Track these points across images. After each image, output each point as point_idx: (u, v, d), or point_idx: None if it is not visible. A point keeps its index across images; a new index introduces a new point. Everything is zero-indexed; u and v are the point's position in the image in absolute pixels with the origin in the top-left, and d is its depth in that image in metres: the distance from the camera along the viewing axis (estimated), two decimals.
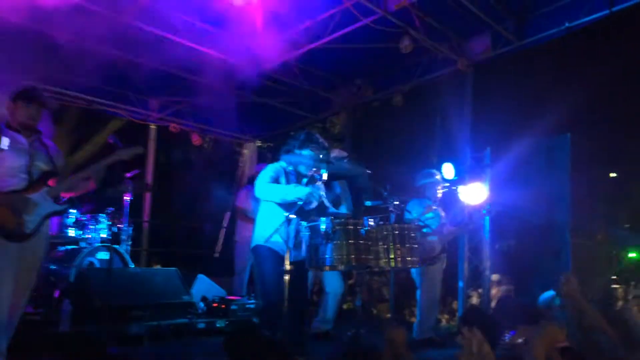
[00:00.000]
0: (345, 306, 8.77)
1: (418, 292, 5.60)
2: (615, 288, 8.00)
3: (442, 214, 5.89)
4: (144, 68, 7.82)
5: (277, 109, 9.25)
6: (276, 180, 4.17)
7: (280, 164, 4.30)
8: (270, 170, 4.24)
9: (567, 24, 6.42)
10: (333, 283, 5.76)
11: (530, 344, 2.38)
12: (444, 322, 8.84)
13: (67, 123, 11.44)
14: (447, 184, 6.01)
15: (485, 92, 7.99)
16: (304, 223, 4.04)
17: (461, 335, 2.10)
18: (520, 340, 2.81)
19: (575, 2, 6.38)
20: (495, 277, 7.94)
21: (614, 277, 8.15)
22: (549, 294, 5.89)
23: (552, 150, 7.00)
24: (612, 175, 8.57)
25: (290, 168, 4.30)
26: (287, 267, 3.83)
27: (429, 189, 5.83)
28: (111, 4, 6.08)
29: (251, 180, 7.61)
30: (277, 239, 4.04)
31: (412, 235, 4.21)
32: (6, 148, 3.52)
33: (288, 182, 4.21)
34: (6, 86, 3.99)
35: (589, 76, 8.46)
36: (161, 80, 8.44)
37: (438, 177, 5.93)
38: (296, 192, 3.97)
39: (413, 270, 5.53)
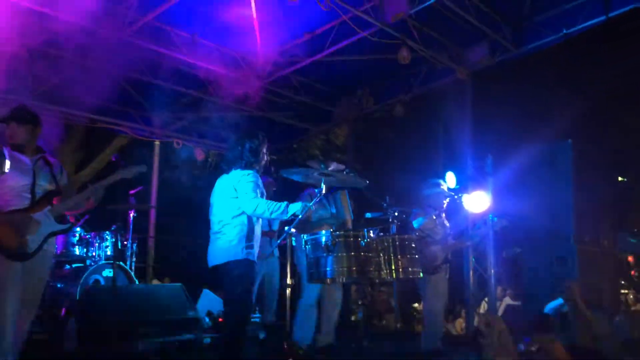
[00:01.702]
0: (353, 318, 8.75)
1: (423, 303, 5.59)
2: (625, 293, 7.94)
3: (447, 224, 5.87)
4: (146, 85, 7.91)
5: (279, 122, 9.31)
6: (261, 191, 4.11)
7: (255, 172, 4.23)
8: (252, 180, 4.09)
9: (564, 31, 6.45)
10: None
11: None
12: (453, 331, 8.81)
13: (72, 141, 11.53)
14: (451, 194, 5.99)
15: (485, 100, 8.01)
16: (303, 236, 4.06)
17: (483, 324, 2.07)
18: (533, 348, 2.80)
19: (572, 8, 6.42)
20: None
21: (623, 282, 8.08)
22: (557, 302, 5.86)
23: (554, 157, 6.98)
24: (621, 179, 8.51)
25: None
26: (289, 280, 3.85)
27: (435, 199, 5.80)
28: (113, 23, 6.17)
29: None
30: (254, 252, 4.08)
31: (413, 245, 4.21)
32: (7, 171, 3.57)
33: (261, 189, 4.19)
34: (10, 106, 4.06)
35: (589, 81, 8.46)
36: (164, 97, 8.51)
37: (444, 187, 5.90)
38: (292, 209, 3.91)
39: (418, 281, 5.50)
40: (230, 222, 4.07)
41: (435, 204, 5.74)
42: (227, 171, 4.23)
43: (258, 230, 4.16)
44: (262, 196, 4.10)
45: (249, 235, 4.05)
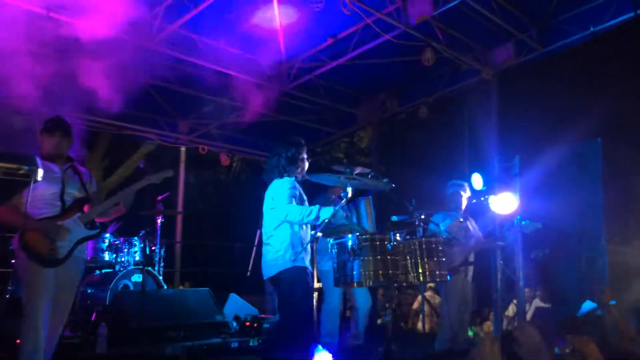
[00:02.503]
0: (379, 321, 8.72)
1: (442, 304, 5.56)
2: None
3: (470, 226, 5.82)
4: (172, 92, 8.01)
5: (304, 126, 9.33)
6: (297, 197, 4.08)
7: (294, 178, 4.23)
8: (287, 187, 4.09)
9: (591, 29, 6.34)
10: (361, 299, 5.75)
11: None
12: (481, 334, 8.70)
13: (99, 149, 11.73)
14: (473, 195, 5.95)
15: (511, 100, 7.90)
16: (329, 240, 4.06)
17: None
18: (567, 350, 2.75)
19: (599, 5, 6.31)
20: None
21: None
22: (591, 305, 5.75)
23: (583, 156, 6.87)
24: None
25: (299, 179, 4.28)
26: (316, 284, 3.84)
27: (453, 199, 5.80)
28: (140, 32, 6.26)
29: None
30: (303, 257, 4.05)
31: (440, 248, 4.18)
32: (39, 179, 3.64)
33: (301, 195, 4.19)
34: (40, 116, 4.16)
35: (618, 79, 8.29)
36: (189, 104, 8.61)
37: (465, 187, 5.88)
38: (323, 214, 3.88)
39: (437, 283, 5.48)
40: (273, 233, 4.10)
41: (453, 203, 5.74)
42: (268, 182, 4.27)
43: (305, 235, 4.15)
44: (301, 201, 4.11)
45: (295, 243, 4.04)
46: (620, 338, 2.87)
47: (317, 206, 3.97)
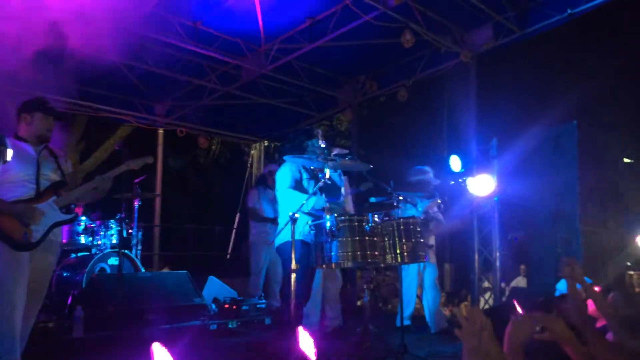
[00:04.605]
0: (358, 302, 8.78)
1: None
2: (630, 274, 7.93)
3: (430, 210, 5.88)
4: (149, 74, 7.89)
5: (283, 109, 9.27)
6: (297, 181, 4.46)
7: (294, 164, 4.54)
8: (288, 172, 4.49)
9: (569, 11, 6.35)
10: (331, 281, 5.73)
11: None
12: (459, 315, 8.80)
13: (76, 131, 11.54)
14: (451, 177, 6.01)
15: (490, 83, 7.96)
16: (308, 221, 4.07)
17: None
18: (537, 328, 2.78)
19: None
20: None
21: (629, 263, 8.07)
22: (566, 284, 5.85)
23: (560, 139, 6.95)
24: (627, 160, 8.46)
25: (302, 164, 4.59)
26: (294, 266, 3.85)
27: (422, 186, 5.84)
28: (114, 11, 6.12)
29: (260, 180, 7.62)
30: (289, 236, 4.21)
31: (418, 229, 4.20)
32: (9, 160, 3.55)
33: (302, 179, 4.55)
34: (13, 97, 4.05)
35: (595, 62, 8.39)
36: (166, 85, 8.49)
37: (430, 174, 5.94)
38: (310, 202, 4.18)
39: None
40: (280, 213, 4.63)
41: (422, 190, 5.78)
42: None
43: (303, 215, 4.34)
44: (297, 184, 4.52)
45: (292, 220, 4.15)
46: (581, 313, 2.91)
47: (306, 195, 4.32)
